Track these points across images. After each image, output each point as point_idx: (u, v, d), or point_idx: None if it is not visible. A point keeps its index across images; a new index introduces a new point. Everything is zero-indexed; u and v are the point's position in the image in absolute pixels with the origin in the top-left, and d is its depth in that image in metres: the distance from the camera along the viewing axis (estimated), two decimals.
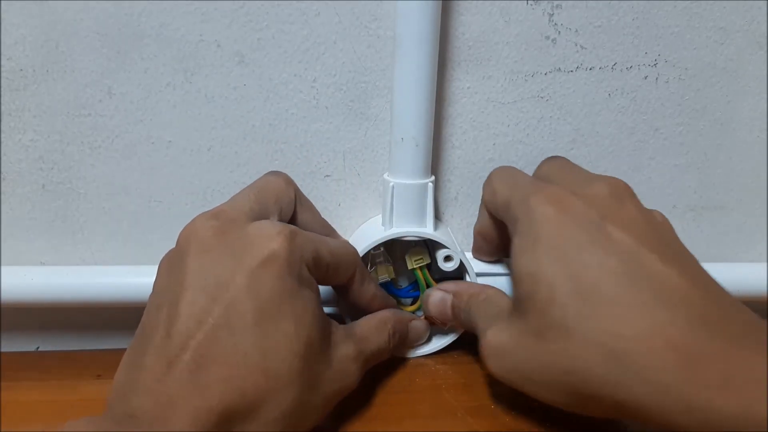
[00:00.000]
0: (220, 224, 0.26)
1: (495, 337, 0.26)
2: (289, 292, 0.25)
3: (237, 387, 0.23)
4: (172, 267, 0.25)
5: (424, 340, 0.34)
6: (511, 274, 0.27)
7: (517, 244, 0.26)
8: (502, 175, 0.30)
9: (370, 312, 0.32)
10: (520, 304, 0.25)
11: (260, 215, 0.28)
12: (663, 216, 0.27)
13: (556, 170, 0.30)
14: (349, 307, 0.32)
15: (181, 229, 0.26)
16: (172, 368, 0.22)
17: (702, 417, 0.20)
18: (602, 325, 0.22)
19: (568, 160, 0.31)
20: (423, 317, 0.34)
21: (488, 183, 0.31)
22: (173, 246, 0.26)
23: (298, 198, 0.31)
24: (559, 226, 0.24)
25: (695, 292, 0.22)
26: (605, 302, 0.22)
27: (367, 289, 0.31)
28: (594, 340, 0.22)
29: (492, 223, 0.31)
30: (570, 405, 0.25)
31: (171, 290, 0.24)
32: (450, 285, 0.32)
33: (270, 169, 0.35)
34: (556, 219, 0.24)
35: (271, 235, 0.25)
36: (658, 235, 0.25)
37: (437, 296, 0.32)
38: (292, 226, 0.27)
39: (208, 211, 0.27)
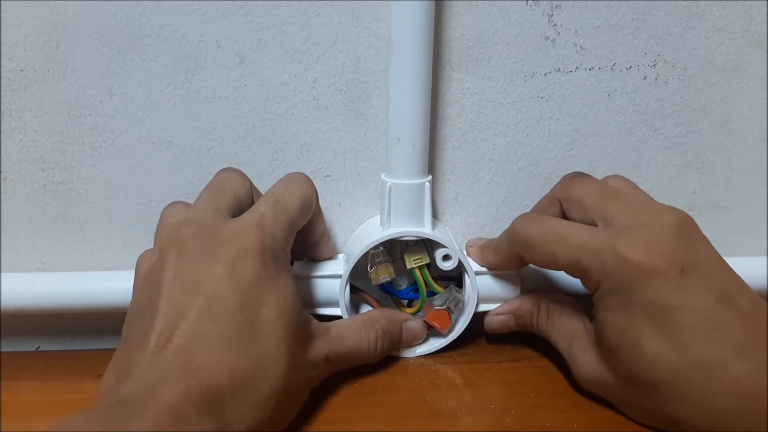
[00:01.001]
0: (198, 232, 0.27)
1: (586, 367, 0.29)
2: (269, 279, 0.26)
3: (226, 369, 0.24)
4: (151, 275, 0.26)
5: (421, 340, 0.34)
6: (596, 317, 0.28)
7: (604, 300, 0.27)
8: (536, 230, 0.29)
9: (318, 254, 0.33)
10: (609, 350, 0.27)
11: (225, 212, 0.28)
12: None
13: (594, 199, 0.30)
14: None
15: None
16: (160, 355, 0.23)
17: None
18: (693, 387, 0.25)
19: (593, 180, 0.31)
20: (421, 318, 0.34)
21: (526, 246, 0.30)
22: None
23: (254, 190, 0.32)
24: (645, 288, 0.26)
25: (758, 340, 0.25)
26: (694, 364, 0.25)
27: (321, 222, 0.33)
28: (686, 400, 0.25)
29: (522, 265, 0.32)
30: (659, 427, 0.28)
31: (151, 296, 0.25)
32: (505, 307, 0.33)
33: (270, 170, 0.35)
34: (640, 282, 0.26)
35: (243, 230, 0.27)
36: (727, 278, 0.27)
37: (498, 321, 0.34)
38: (259, 216, 0.28)
39: (180, 218, 0.28)
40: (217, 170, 0.34)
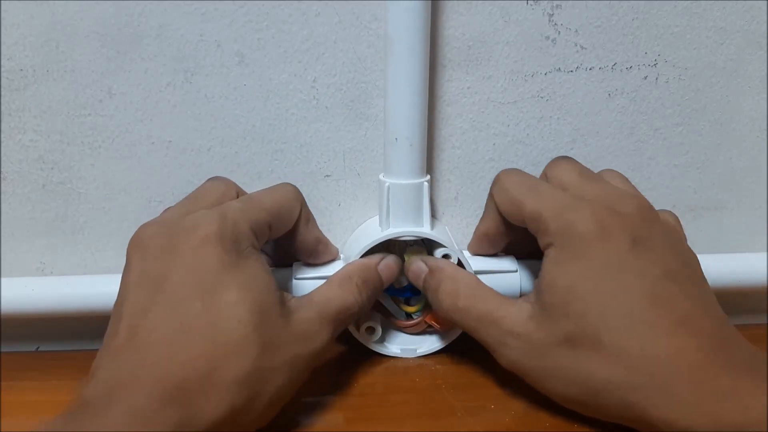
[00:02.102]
0: (160, 228, 0.27)
1: (517, 333, 0.28)
2: (229, 264, 0.26)
3: (186, 360, 0.24)
4: (120, 282, 0.27)
5: (397, 272, 0.33)
6: (541, 279, 0.28)
7: (553, 256, 0.27)
8: (516, 180, 0.30)
9: (318, 258, 0.33)
10: (548, 310, 0.27)
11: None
12: (675, 218, 0.30)
13: (573, 177, 0.30)
14: (293, 256, 0.33)
15: None
16: (120, 355, 0.24)
17: (705, 422, 0.23)
18: (631, 342, 0.25)
19: (578, 163, 0.32)
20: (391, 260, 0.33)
21: (502, 190, 0.30)
22: None
23: (240, 194, 0.32)
24: (598, 245, 0.26)
25: (707, 322, 0.26)
26: (636, 323, 0.25)
27: (313, 230, 0.32)
28: (623, 354, 0.25)
29: (501, 225, 0.32)
30: (581, 405, 0.27)
31: (118, 302, 0.26)
32: (431, 260, 0.32)
33: (270, 170, 0.35)
34: (596, 238, 0.26)
35: (202, 220, 0.27)
36: (681, 261, 0.27)
37: (416, 267, 0.32)
38: (224, 206, 0.28)
39: (150, 221, 0.28)
40: (217, 170, 0.34)
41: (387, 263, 0.33)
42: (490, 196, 0.32)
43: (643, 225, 0.27)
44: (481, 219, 0.33)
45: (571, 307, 0.26)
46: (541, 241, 0.28)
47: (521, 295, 0.33)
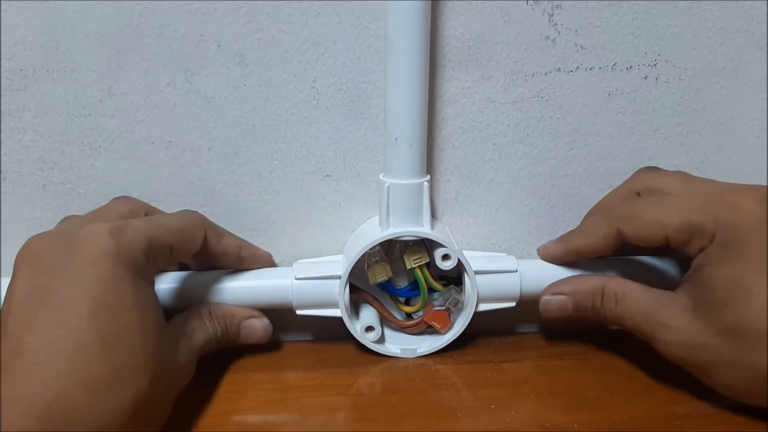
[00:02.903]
0: (51, 238, 0.26)
1: (680, 332, 0.28)
2: (128, 284, 0.25)
3: (79, 380, 0.23)
4: (6, 293, 0.25)
5: (263, 339, 0.33)
6: (696, 274, 0.28)
7: (711, 253, 0.28)
8: (645, 205, 0.30)
9: (247, 264, 0.33)
10: (708, 303, 0.27)
11: None
12: None
13: (678, 183, 0.31)
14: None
15: None
16: (6, 373, 0.22)
17: None
18: None
19: (663, 170, 0.33)
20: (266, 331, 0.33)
21: (631, 219, 0.30)
22: None
23: (150, 214, 0.31)
24: (757, 238, 0.27)
25: None
26: None
27: (228, 242, 0.32)
28: None
29: (611, 248, 0.31)
30: (744, 393, 0.28)
31: (3, 316, 0.24)
32: (564, 287, 0.32)
33: (270, 170, 0.35)
34: (754, 231, 0.27)
35: (97, 234, 0.25)
36: None
37: (557, 301, 0.32)
38: (122, 221, 0.27)
39: (43, 232, 0.27)
40: (217, 170, 0.35)
41: (252, 325, 0.33)
42: (604, 221, 0.31)
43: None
44: (580, 235, 0.33)
45: (733, 299, 0.26)
46: (693, 247, 0.28)
47: (521, 295, 0.34)
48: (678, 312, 0.28)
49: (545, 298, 0.33)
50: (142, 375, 0.24)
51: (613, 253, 0.32)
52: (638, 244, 0.30)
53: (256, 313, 0.33)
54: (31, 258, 0.25)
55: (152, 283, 0.28)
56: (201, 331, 0.30)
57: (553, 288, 0.33)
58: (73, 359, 0.23)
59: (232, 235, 0.33)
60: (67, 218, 0.30)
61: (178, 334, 0.29)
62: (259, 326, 0.33)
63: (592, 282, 0.32)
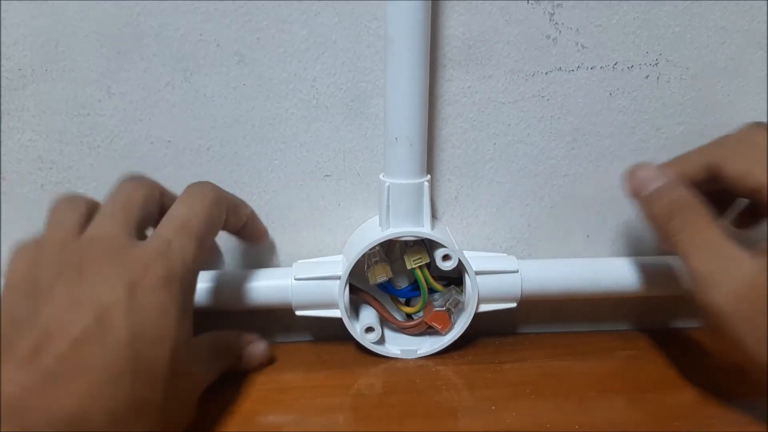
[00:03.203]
0: (101, 251, 0.25)
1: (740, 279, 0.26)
2: (172, 316, 0.25)
3: (102, 407, 0.22)
4: (39, 284, 0.24)
5: (261, 364, 0.33)
6: None
7: None
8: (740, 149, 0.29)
9: (248, 236, 0.34)
10: None
11: (131, 230, 0.27)
12: None
13: None
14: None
15: None
16: (23, 370, 0.22)
17: None
18: None
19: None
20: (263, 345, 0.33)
21: (732, 161, 0.29)
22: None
23: (165, 195, 0.30)
24: None
25: None
26: None
27: (239, 212, 0.32)
28: None
29: (701, 171, 0.30)
30: None
31: (35, 307, 0.23)
32: (671, 172, 0.31)
33: (269, 169, 0.35)
34: None
35: (150, 257, 0.25)
36: None
37: (649, 174, 0.31)
38: (166, 244, 0.26)
39: (72, 229, 0.26)
40: (217, 170, 0.34)
41: (253, 351, 0.33)
42: (701, 152, 0.30)
43: None
44: (674, 163, 0.31)
45: None
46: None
47: (522, 295, 0.33)
48: (754, 273, 0.26)
49: (640, 165, 0.31)
50: (162, 412, 0.24)
51: (703, 192, 0.30)
52: (728, 188, 0.29)
53: (254, 337, 0.33)
54: (78, 262, 0.25)
55: (193, 300, 0.28)
56: (210, 374, 0.30)
57: (662, 167, 0.31)
58: (101, 381, 0.22)
59: (242, 204, 0.33)
60: (80, 199, 0.29)
61: (201, 360, 0.29)
62: (257, 354, 0.33)
63: (679, 191, 0.30)
